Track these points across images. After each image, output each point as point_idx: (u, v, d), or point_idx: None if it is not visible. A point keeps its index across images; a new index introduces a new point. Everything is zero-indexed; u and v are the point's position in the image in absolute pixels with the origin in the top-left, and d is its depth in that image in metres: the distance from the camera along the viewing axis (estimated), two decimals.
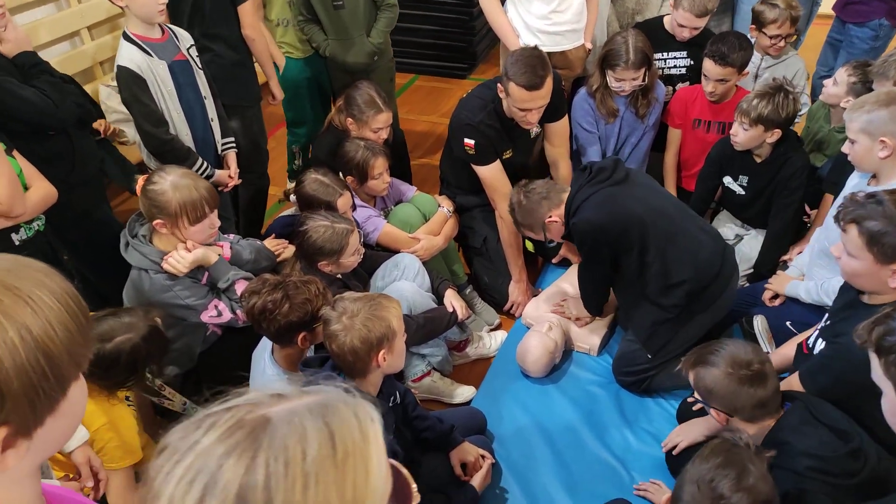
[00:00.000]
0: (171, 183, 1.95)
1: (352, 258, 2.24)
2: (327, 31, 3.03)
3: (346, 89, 2.95)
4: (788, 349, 2.09)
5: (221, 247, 2.19)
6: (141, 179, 2.03)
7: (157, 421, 2.09)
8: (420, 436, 1.97)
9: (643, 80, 2.82)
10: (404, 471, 1.24)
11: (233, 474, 0.58)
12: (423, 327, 2.26)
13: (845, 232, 1.68)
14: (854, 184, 2.20)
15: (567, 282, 2.81)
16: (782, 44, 2.97)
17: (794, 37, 2.99)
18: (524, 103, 2.43)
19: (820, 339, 1.85)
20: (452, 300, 2.43)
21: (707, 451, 1.43)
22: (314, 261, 2.19)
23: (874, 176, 2.10)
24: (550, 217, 2.31)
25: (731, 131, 2.57)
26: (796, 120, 3.04)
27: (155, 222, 1.98)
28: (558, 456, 2.22)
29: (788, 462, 1.52)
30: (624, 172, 2.26)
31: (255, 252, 2.31)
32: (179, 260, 2.00)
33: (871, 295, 1.72)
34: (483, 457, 2.02)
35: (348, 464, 0.62)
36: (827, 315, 1.89)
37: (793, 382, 1.85)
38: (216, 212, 2.06)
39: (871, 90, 2.36)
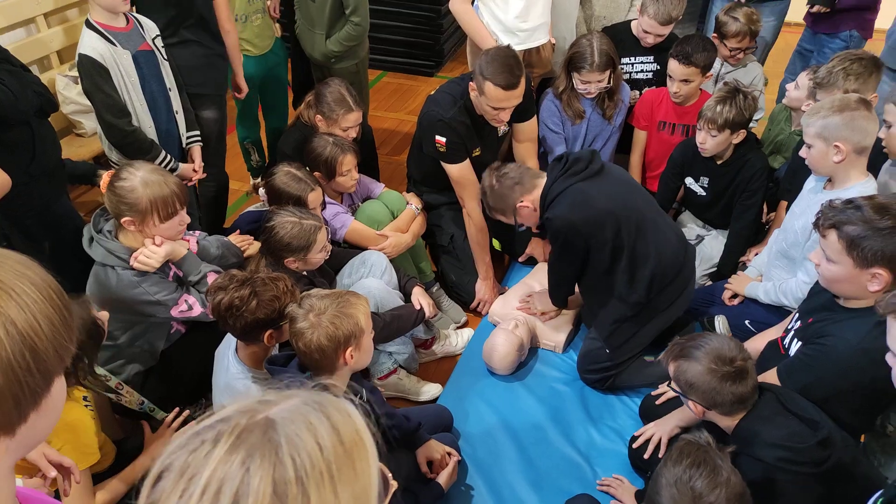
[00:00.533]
0: (141, 179, 1.89)
1: (319, 255, 2.21)
2: (300, 16, 3.03)
3: (305, 78, 2.95)
4: (757, 344, 2.13)
5: (188, 241, 2.15)
6: (106, 176, 1.96)
7: (114, 420, 2.05)
8: (386, 433, 1.96)
9: (608, 83, 2.86)
10: (385, 470, 1.25)
11: (264, 473, 0.58)
12: (390, 325, 2.25)
13: (825, 237, 1.71)
14: (811, 187, 2.27)
15: (534, 279, 2.83)
16: (741, 56, 3.05)
17: (753, 48, 3.07)
18: (499, 102, 2.44)
19: (796, 340, 1.88)
20: (420, 298, 2.43)
21: (676, 454, 1.46)
22: (281, 257, 2.16)
23: (830, 180, 2.17)
24: (522, 202, 2.30)
25: (699, 140, 2.60)
26: (753, 123, 3.15)
27: (123, 220, 1.92)
28: (523, 452, 2.24)
29: (759, 452, 1.56)
30: (599, 165, 2.27)
31: (223, 248, 2.27)
32: (150, 255, 1.94)
33: (849, 299, 1.75)
34: (449, 454, 2.03)
35: (355, 452, 0.65)
36: (798, 316, 1.93)
37: (769, 378, 1.88)
38: (185, 208, 2.02)
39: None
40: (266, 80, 3.13)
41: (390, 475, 0.86)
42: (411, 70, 4.91)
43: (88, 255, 1.97)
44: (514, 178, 2.32)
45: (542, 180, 2.30)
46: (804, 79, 2.65)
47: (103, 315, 1.72)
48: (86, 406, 1.68)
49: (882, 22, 3.32)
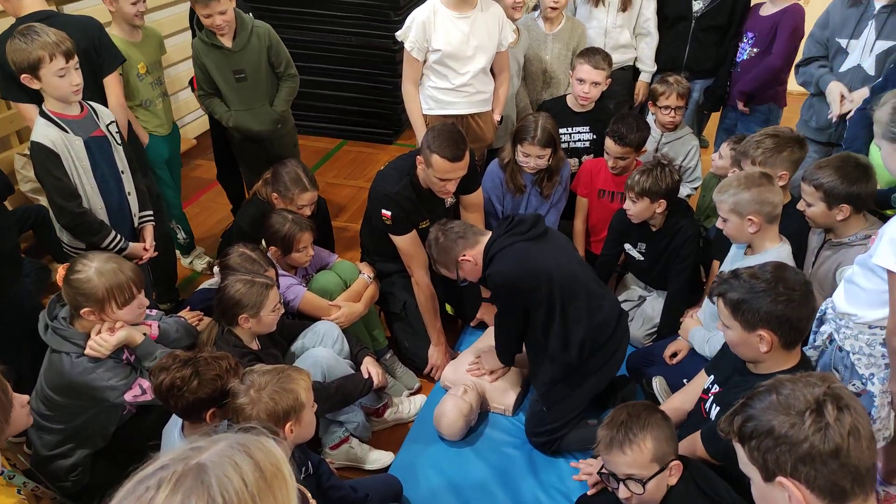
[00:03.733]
0: (96, 270, 1.94)
1: (271, 315, 2.23)
2: (230, 103, 3.15)
3: (250, 157, 3.15)
4: (675, 404, 2.21)
5: (150, 325, 2.19)
6: (61, 269, 2.00)
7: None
8: None
9: (548, 161, 3.01)
10: (306, 491, 1.44)
11: None
12: (336, 393, 2.30)
13: (719, 306, 1.84)
14: (733, 254, 2.42)
15: (485, 343, 2.90)
16: (672, 115, 3.24)
17: (683, 110, 3.28)
18: (445, 173, 2.57)
19: (715, 405, 1.96)
20: (369, 367, 2.48)
21: None
22: (234, 315, 2.18)
23: (749, 246, 2.33)
24: (465, 256, 2.38)
25: (625, 206, 2.78)
26: (692, 192, 3.34)
27: (82, 311, 1.96)
28: None
29: None
30: (542, 229, 2.38)
31: (182, 329, 2.31)
32: (102, 343, 1.97)
33: (756, 364, 1.85)
34: None
35: (275, 483, 0.78)
36: (713, 378, 2.03)
37: (695, 443, 1.95)
38: (143, 291, 2.06)
39: None
40: (171, 160, 3.31)
41: (309, 494, 0.99)
42: (370, 138, 5.08)
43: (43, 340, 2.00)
44: (458, 232, 2.42)
45: (486, 237, 2.40)
46: (726, 149, 2.86)
47: (21, 399, 1.71)
48: (19, 495, 1.68)
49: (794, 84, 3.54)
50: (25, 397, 1.76)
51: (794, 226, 2.48)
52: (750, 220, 2.21)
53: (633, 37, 3.63)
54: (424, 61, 3.05)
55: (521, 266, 2.28)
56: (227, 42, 3.01)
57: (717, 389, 1.96)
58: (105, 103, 2.57)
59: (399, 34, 3.05)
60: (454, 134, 2.58)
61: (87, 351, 1.97)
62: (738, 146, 2.87)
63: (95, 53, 2.58)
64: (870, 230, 2.18)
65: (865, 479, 1.00)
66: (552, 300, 2.31)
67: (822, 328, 2.05)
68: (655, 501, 1.70)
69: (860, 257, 1.90)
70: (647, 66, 3.68)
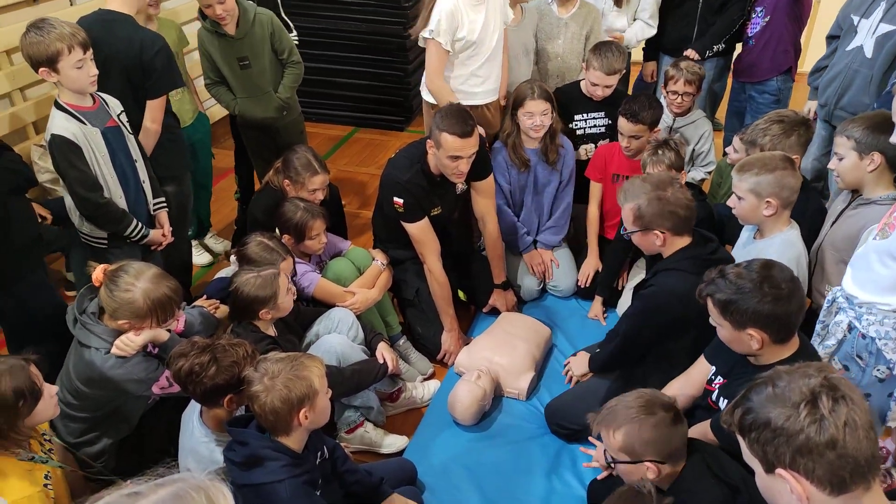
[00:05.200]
0: (143, 292, 1.96)
1: (287, 299, 2.29)
2: (235, 90, 3.19)
3: (257, 146, 3.14)
4: (678, 388, 2.16)
5: (178, 319, 2.21)
6: (99, 271, 2.00)
7: (88, 488, 2.07)
8: (349, 490, 2.02)
9: (551, 119, 3.01)
10: None
11: None
12: (350, 378, 2.33)
13: (708, 305, 1.83)
14: (745, 239, 2.41)
15: (499, 328, 2.92)
16: (680, 101, 3.22)
17: (692, 97, 3.25)
18: (457, 150, 2.56)
19: (722, 398, 1.96)
20: (384, 352, 2.51)
21: (615, 500, 1.54)
22: (254, 312, 2.22)
23: (759, 230, 2.31)
24: (663, 233, 2.20)
25: None
26: (703, 176, 3.32)
27: (119, 322, 1.99)
28: (487, 502, 2.30)
29: None
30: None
31: (204, 320, 2.35)
32: (129, 343, 2.00)
33: (755, 357, 1.84)
34: None
35: None
36: (715, 369, 2.01)
37: (706, 432, 1.95)
38: (182, 306, 2.10)
39: None
40: (193, 152, 3.28)
41: None
42: (382, 125, 5.09)
43: (61, 331, 2.03)
44: (681, 214, 2.17)
45: (687, 240, 2.22)
46: (738, 142, 2.85)
47: (51, 389, 1.77)
48: (45, 483, 1.72)
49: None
50: (54, 388, 1.81)
51: (809, 207, 2.47)
52: (768, 202, 2.18)
53: (629, 23, 3.60)
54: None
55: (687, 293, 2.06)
56: (230, 30, 3.03)
57: (722, 381, 1.96)
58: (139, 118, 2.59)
59: (427, 33, 2.94)
60: (461, 111, 2.60)
61: (114, 350, 2.00)
62: (745, 134, 2.88)
63: (142, 73, 2.52)
64: None
65: (865, 469, 1.00)
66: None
67: (838, 318, 2.03)
68: (663, 482, 1.71)
69: (876, 244, 1.89)
70: (630, 44, 3.63)
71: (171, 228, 2.62)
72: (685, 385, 2.13)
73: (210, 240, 3.71)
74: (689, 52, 3.49)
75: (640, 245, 2.30)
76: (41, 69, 2.17)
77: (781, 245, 2.21)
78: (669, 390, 2.16)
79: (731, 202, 2.30)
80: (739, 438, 1.12)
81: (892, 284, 1.87)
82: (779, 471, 1.04)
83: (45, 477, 1.75)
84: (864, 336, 1.97)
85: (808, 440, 1.01)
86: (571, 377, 2.71)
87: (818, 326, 2.17)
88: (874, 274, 1.90)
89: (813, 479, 1.01)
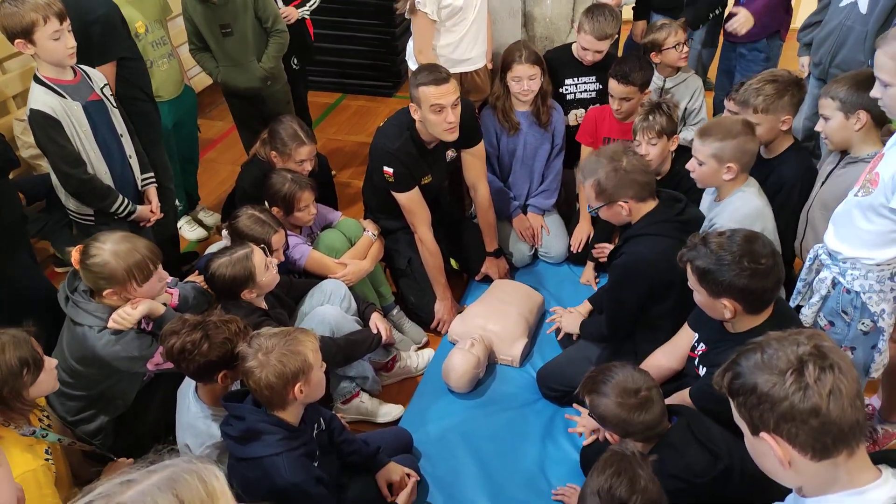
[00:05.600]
0: (111, 252, 1.94)
1: (268, 275, 2.24)
2: (218, 58, 3.14)
3: (242, 114, 3.14)
4: (663, 359, 2.20)
5: (172, 293, 2.20)
6: (76, 252, 1.99)
7: (86, 464, 2.09)
8: (346, 460, 2.05)
9: (539, 83, 2.97)
10: None
11: None
12: (344, 349, 2.34)
13: (687, 270, 1.87)
14: (708, 201, 2.47)
15: (491, 296, 2.93)
16: (686, 48, 3.18)
17: (689, 43, 3.22)
18: (438, 99, 2.51)
19: (702, 366, 2.00)
20: (377, 322, 2.52)
21: (601, 464, 1.57)
22: (236, 294, 2.20)
23: (718, 192, 2.38)
24: (626, 202, 2.20)
25: (643, 152, 2.68)
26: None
27: (104, 293, 1.97)
28: (483, 467, 2.34)
29: (661, 481, 1.64)
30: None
31: (198, 294, 2.33)
32: (125, 317, 1.99)
33: (731, 323, 1.88)
34: (408, 475, 2.11)
35: None
36: (698, 336, 2.05)
37: (685, 399, 2.00)
38: (160, 265, 2.06)
39: None
40: (178, 126, 3.24)
41: None
42: (370, 91, 5.02)
43: (50, 311, 2.02)
44: (640, 180, 2.17)
45: (652, 204, 2.22)
46: (731, 105, 2.84)
47: (51, 362, 1.77)
48: (46, 458, 1.73)
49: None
50: (54, 361, 1.81)
51: (801, 167, 2.47)
52: (729, 167, 2.24)
53: None
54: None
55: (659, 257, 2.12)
56: None
57: (704, 349, 1.99)
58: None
59: (418, 2, 2.88)
60: (433, 65, 2.59)
61: (111, 324, 1.98)
62: (737, 94, 2.86)
63: (82, 39, 2.40)
64: None
65: (849, 436, 1.02)
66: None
67: (822, 274, 2.06)
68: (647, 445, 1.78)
69: (858, 200, 1.91)
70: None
71: (159, 204, 2.59)
72: (671, 353, 2.16)
73: (201, 213, 3.67)
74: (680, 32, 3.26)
75: (608, 218, 2.31)
76: (17, 41, 2.12)
77: (740, 201, 2.28)
78: (654, 359, 2.20)
79: (690, 165, 2.35)
80: (731, 400, 1.14)
81: (875, 239, 1.90)
82: (763, 434, 1.06)
83: (46, 452, 1.76)
84: (848, 291, 2.00)
85: (791, 407, 1.02)
86: (559, 329, 2.73)
87: (799, 284, 2.21)
88: (857, 229, 1.93)
89: (795, 444, 1.04)
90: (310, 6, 3.56)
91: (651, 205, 2.23)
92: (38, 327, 1.77)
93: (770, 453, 1.07)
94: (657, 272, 2.13)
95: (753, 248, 1.75)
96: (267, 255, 2.28)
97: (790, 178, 2.45)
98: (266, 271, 2.23)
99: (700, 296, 1.86)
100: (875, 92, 1.85)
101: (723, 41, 3.75)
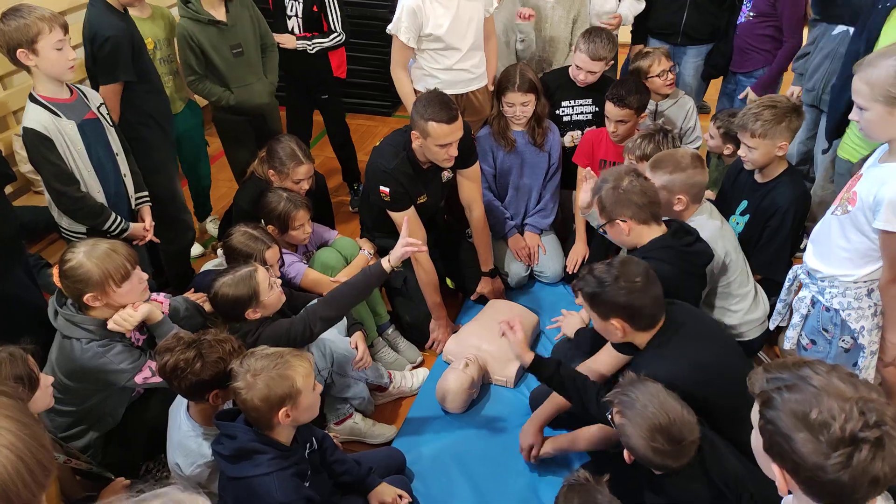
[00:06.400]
0: (85, 254, 1.94)
1: (272, 294, 2.22)
2: (229, 81, 3.12)
3: (240, 134, 3.20)
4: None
5: (161, 303, 2.20)
6: (54, 270, 1.99)
7: (75, 481, 2.08)
8: (338, 480, 2.03)
9: (533, 108, 3.00)
10: None
11: None
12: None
13: (580, 300, 1.99)
14: None
15: (486, 316, 2.93)
16: (667, 78, 3.21)
17: (675, 70, 3.27)
18: (446, 138, 2.55)
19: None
20: (358, 341, 2.48)
21: (562, 498, 1.64)
22: (241, 313, 2.18)
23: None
24: (624, 221, 2.22)
25: None
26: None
27: (85, 298, 1.96)
28: (476, 489, 2.32)
29: None
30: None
31: (191, 308, 2.33)
32: (127, 318, 1.99)
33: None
34: (400, 496, 2.09)
35: None
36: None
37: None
38: (137, 266, 2.06)
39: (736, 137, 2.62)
40: (181, 141, 3.25)
41: None
42: (368, 111, 5.05)
43: (40, 325, 2.02)
44: (637, 202, 2.19)
45: (658, 230, 2.24)
46: (713, 128, 2.89)
47: (47, 380, 1.76)
48: None
49: None
50: (50, 378, 1.79)
51: (795, 192, 2.50)
52: (679, 198, 2.35)
53: (619, 2, 3.58)
54: (416, 48, 3.04)
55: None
56: (219, 15, 2.98)
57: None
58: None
59: (390, 28, 3.01)
60: (441, 97, 2.59)
61: (112, 325, 1.98)
62: (722, 122, 2.96)
63: (91, 60, 2.53)
64: None
65: (858, 499, 1.00)
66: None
67: (802, 293, 2.09)
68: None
69: (837, 218, 1.94)
70: (627, 20, 3.63)
71: (153, 223, 2.59)
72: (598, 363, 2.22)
73: (210, 223, 3.69)
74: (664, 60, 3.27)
75: (612, 238, 2.37)
76: (20, 51, 2.13)
77: (696, 229, 2.33)
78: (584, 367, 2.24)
79: None
80: (755, 407, 1.10)
81: (851, 257, 1.93)
82: (775, 467, 1.04)
83: None
84: (827, 309, 2.03)
85: (821, 475, 0.98)
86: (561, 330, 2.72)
87: (779, 305, 2.24)
88: (834, 247, 1.96)
89: (804, 491, 1.02)
90: (326, 42, 3.48)
91: (656, 231, 2.25)
92: (34, 344, 1.77)
93: (773, 472, 1.06)
94: None
95: (628, 269, 1.90)
96: (271, 275, 2.28)
97: (784, 202, 2.47)
98: (270, 290, 2.21)
99: (594, 321, 1.99)
100: (853, 115, 1.87)
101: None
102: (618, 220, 2.24)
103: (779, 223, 2.48)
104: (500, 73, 3.10)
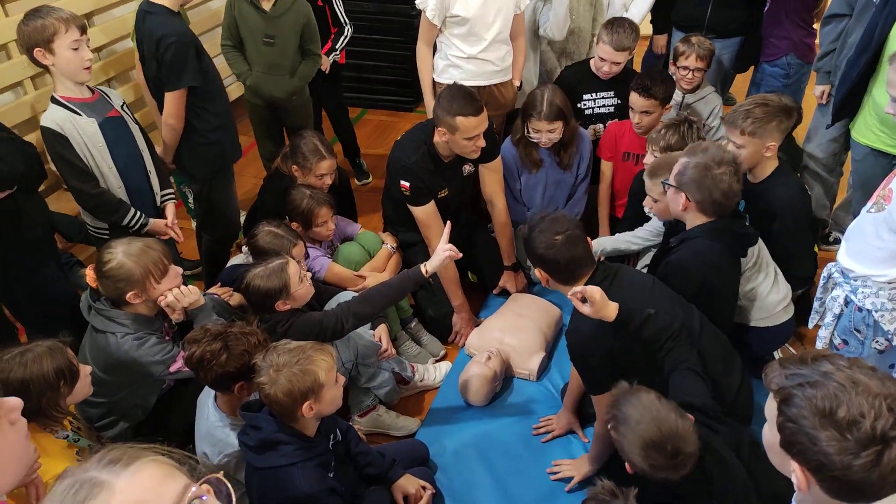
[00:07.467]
0: (124, 253, 1.99)
1: (302, 286, 2.23)
2: (253, 63, 3.21)
3: (262, 121, 3.24)
4: None
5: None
6: (89, 270, 2.04)
7: None
8: (363, 471, 2.06)
9: (559, 135, 2.95)
10: None
11: None
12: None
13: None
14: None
15: (509, 310, 2.93)
16: (690, 76, 3.17)
17: (703, 73, 3.21)
18: (474, 130, 2.56)
19: None
20: (381, 335, 2.49)
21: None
22: (272, 305, 2.20)
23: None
24: (689, 200, 2.18)
25: (645, 160, 2.74)
26: None
27: (127, 296, 2.01)
28: (498, 482, 2.33)
29: None
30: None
31: (218, 305, 2.36)
32: (183, 296, 2.06)
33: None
34: (424, 488, 2.11)
35: None
36: None
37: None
38: (172, 260, 2.12)
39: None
40: None
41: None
42: (391, 106, 5.06)
43: (73, 320, 2.07)
44: (715, 196, 2.13)
45: (706, 219, 2.21)
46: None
47: (86, 369, 1.81)
48: (78, 461, 1.77)
49: None
50: (89, 368, 1.84)
51: (789, 191, 2.46)
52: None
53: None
54: (441, 28, 3.02)
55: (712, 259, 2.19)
56: (266, 5, 3.06)
57: None
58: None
59: (419, 2, 3.02)
60: (464, 90, 2.61)
61: (164, 301, 2.05)
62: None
63: (157, 65, 2.54)
64: None
65: (873, 498, 0.97)
66: None
67: (835, 293, 2.04)
68: None
69: (872, 216, 1.89)
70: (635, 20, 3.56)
71: (176, 221, 2.62)
72: None
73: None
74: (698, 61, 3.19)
75: (661, 208, 2.38)
76: (37, 50, 2.17)
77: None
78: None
79: (647, 203, 2.46)
80: (770, 401, 1.07)
81: (886, 256, 1.88)
82: (794, 464, 1.01)
83: (77, 455, 1.80)
84: (860, 309, 1.97)
85: (847, 474, 0.95)
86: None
87: (816, 304, 2.18)
88: (868, 246, 1.90)
89: (825, 489, 1.00)
90: (340, 45, 3.61)
91: (703, 220, 2.22)
92: (66, 337, 1.82)
93: (790, 469, 1.04)
94: (711, 274, 2.19)
95: (554, 226, 2.01)
96: (301, 268, 2.30)
97: (782, 203, 2.43)
98: (300, 283, 2.23)
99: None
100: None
101: None
102: (685, 194, 2.18)
103: (781, 224, 2.44)
104: (528, 94, 3.06)
